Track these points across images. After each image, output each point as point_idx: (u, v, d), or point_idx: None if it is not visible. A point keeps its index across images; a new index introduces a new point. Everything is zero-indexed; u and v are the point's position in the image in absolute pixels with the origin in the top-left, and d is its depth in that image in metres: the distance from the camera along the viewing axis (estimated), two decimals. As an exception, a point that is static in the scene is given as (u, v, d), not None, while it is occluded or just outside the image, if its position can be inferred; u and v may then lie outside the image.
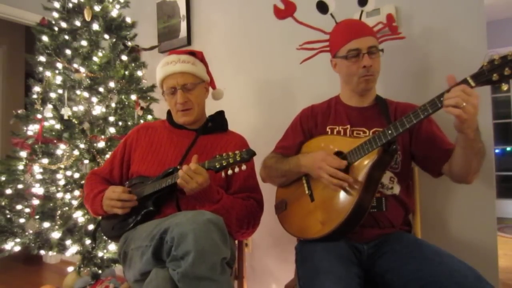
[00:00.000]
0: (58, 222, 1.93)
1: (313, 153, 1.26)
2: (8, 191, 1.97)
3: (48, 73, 2.04)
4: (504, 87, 0.93)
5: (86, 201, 1.44)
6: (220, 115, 1.54)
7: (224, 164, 1.14)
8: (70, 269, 2.13)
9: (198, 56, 1.48)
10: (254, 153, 1.14)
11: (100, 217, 1.49)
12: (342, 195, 1.18)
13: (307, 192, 1.30)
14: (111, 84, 2.06)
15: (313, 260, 1.13)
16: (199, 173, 1.16)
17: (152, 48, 2.37)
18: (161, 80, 1.42)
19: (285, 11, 1.50)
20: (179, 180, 1.17)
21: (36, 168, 1.96)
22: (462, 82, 0.98)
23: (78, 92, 2.02)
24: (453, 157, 1.17)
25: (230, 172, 1.15)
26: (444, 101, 0.97)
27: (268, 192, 1.47)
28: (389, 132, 1.09)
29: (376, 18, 1.57)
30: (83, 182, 1.95)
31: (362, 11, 1.46)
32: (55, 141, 1.99)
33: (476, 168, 1.14)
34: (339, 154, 1.24)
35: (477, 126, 1.03)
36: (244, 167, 1.14)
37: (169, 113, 1.51)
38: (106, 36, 2.11)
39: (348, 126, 1.34)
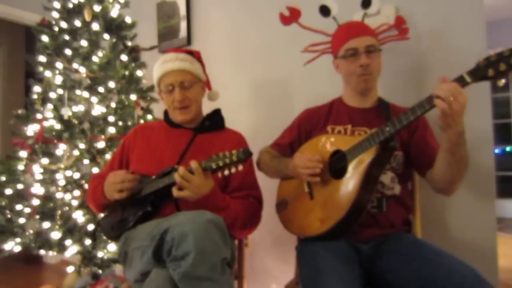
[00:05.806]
0: (58, 222, 1.93)
1: (293, 159, 1.31)
2: (8, 191, 1.97)
3: (48, 73, 2.04)
4: (500, 82, 0.95)
5: (89, 199, 1.44)
6: (216, 113, 1.53)
7: (220, 164, 1.13)
8: (70, 269, 2.13)
9: (196, 55, 1.48)
10: (250, 153, 1.13)
11: (100, 216, 1.49)
12: (341, 192, 1.19)
13: (306, 190, 1.31)
14: (111, 84, 2.05)
15: (316, 260, 1.13)
16: (197, 174, 1.14)
17: (152, 48, 2.37)
18: (159, 78, 1.42)
19: (290, 17, 1.55)
20: (175, 193, 1.16)
21: (36, 168, 1.96)
22: (458, 78, 0.98)
23: (78, 92, 2.02)
24: (436, 162, 1.18)
25: (226, 172, 1.14)
26: (434, 91, 0.98)
27: (269, 192, 1.47)
28: (387, 129, 1.10)
29: (376, 18, 1.57)
30: (83, 182, 1.96)
31: (365, 13, 1.46)
32: (55, 141, 1.99)
33: (456, 178, 1.16)
34: (336, 153, 1.25)
35: (463, 131, 1.03)
36: (240, 167, 1.13)
37: (166, 113, 1.51)
38: (106, 36, 2.11)
39: (349, 126, 1.34)
